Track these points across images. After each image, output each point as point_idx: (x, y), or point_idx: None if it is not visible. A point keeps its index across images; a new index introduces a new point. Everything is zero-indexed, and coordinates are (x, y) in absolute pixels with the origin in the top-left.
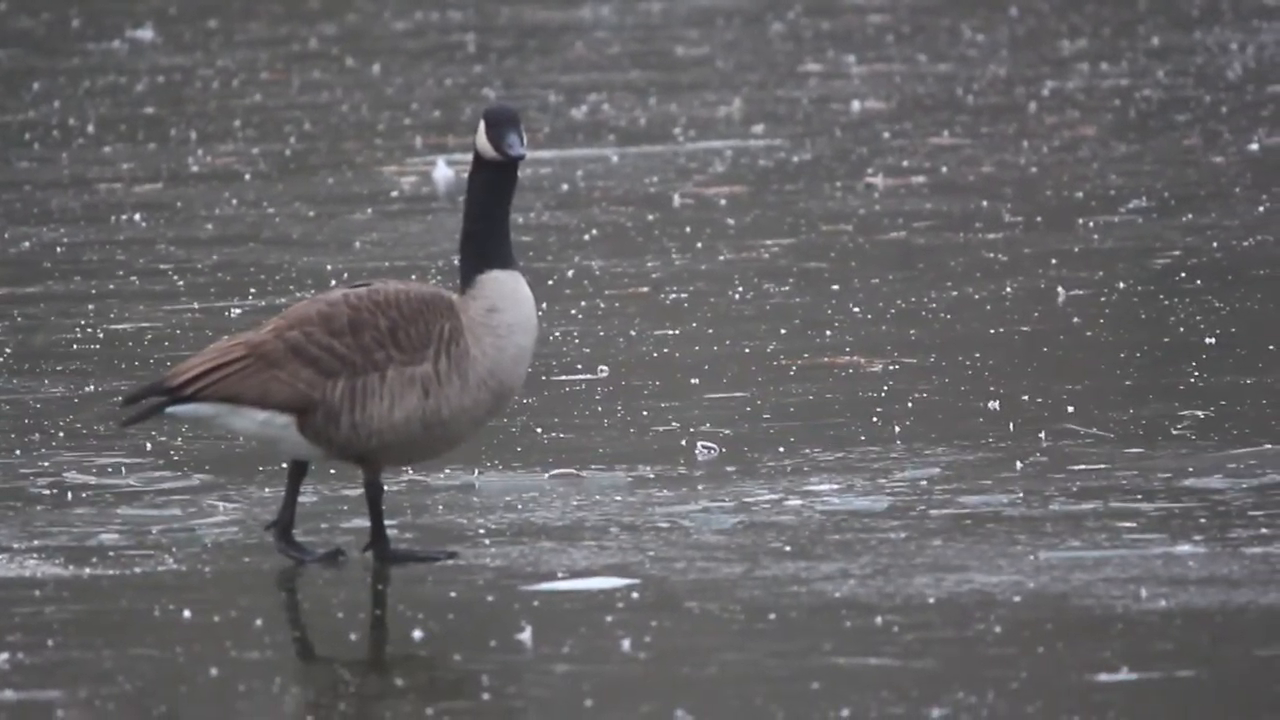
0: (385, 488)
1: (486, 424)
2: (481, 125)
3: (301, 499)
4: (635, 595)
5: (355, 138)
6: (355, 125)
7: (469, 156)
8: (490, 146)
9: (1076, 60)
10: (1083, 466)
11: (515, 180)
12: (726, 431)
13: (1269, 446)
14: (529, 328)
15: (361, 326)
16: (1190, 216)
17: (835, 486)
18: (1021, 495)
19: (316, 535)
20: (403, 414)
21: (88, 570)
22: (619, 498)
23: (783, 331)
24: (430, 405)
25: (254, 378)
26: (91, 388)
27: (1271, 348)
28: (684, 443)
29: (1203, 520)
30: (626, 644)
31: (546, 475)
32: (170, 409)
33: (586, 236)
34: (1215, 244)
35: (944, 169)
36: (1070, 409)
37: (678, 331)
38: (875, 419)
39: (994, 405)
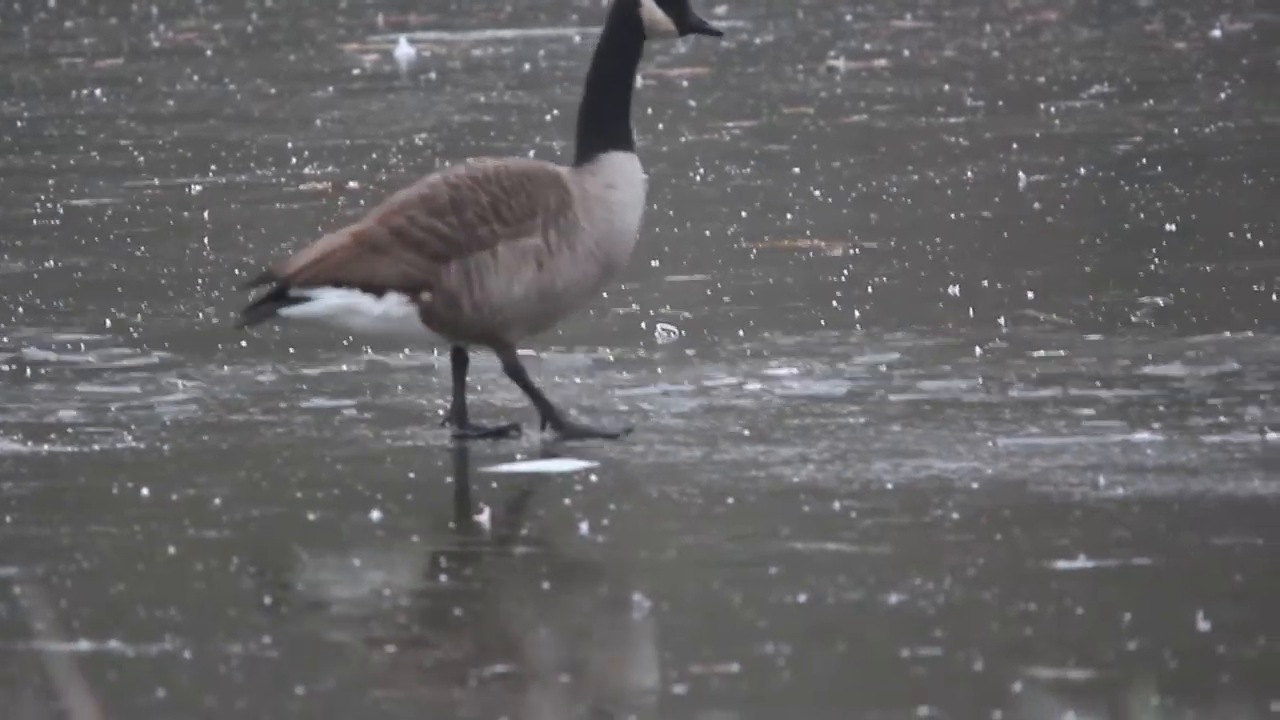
0: (346, 367)
1: (597, 295)
2: None
3: (260, 378)
4: (594, 478)
5: (317, 15)
6: (317, 2)
7: (430, 35)
8: (669, 22)
9: None
10: (1042, 353)
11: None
12: (686, 314)
13: (1228, 334)
14: (639, 208)
15: (463, 204)
16: (1152, 103)
17: (794, 371)
18: (980, 381)
19: (275, 414)
20: (521, 288)
21: (46, 447)
22: (578, 380)
23: (743, 214)
24: (545, 277)
25: (360, 262)
26: (51, 263)
27: (1231, 235)
28: (644, 325)
29: (1161, 408)
30: (584, 527)
31: None
32: (284, 311)
33: (548, 117)
34: (1176, 130)
35: (906, 52)
36: (1030, 295)
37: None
38: (835, 303)
39: (954, 290)
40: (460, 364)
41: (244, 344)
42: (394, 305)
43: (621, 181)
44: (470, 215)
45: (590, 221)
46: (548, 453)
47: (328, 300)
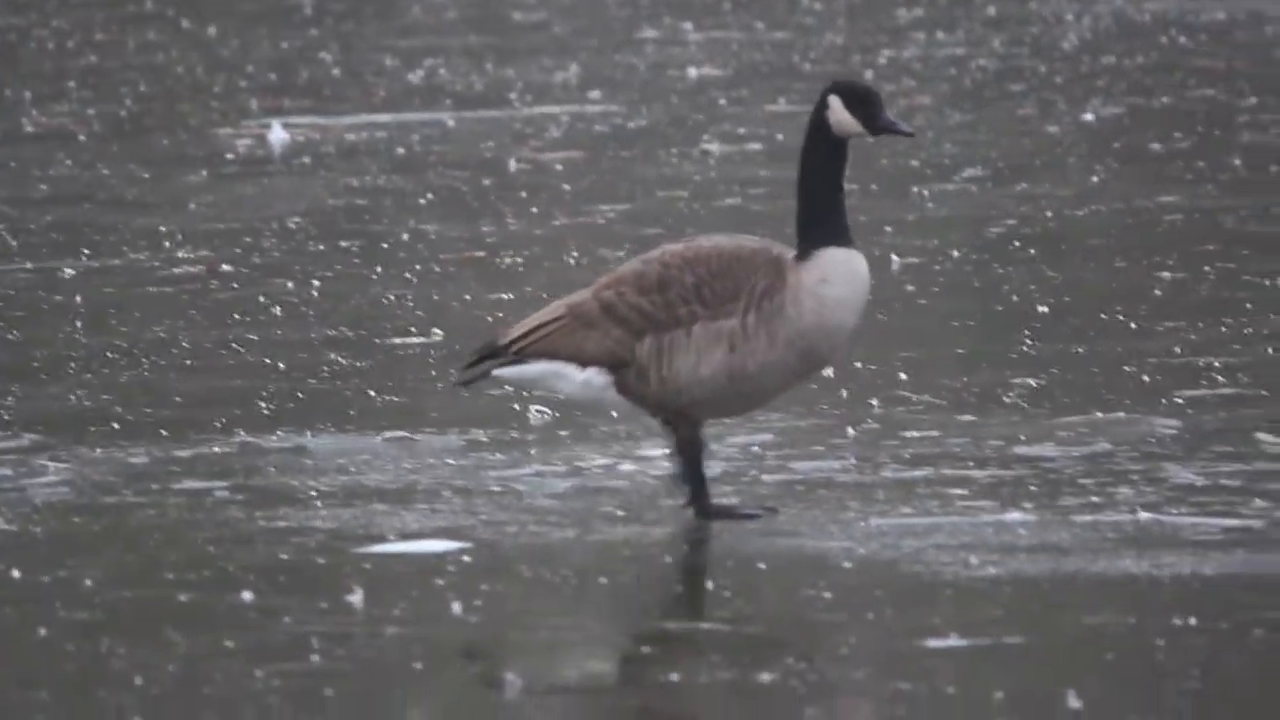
0: (218, 449)
1: (797, 385)
2: (836, 101)
3: (132, 460)
4: (466, 558)
5: (190, 99)
6: (190, 87)
7: (304, 120)
8: (858, 124)
9: (913, 29)
10: (915, 433)
11: (847, 157)
12: (560, 396)
13: (1099, 415)
14: (855, 306)
15: (669, 284)
16: (1024, 185)
17: (667, 451)
18: (854, 461)
19: (147, 496)
20: (709, 369)
21: None
22: (451, 461)
23: None
24: (736, 360)
25: (570, 335)
26: None
27: (1103, 316)
28: (517, 407)
29: (1033, 488)
30: (457, 607)
31: (379, 438)
32: (497, 371)
33: (422, 200)
34: (1049, 213)
35: (780, 136)
36: (903, 376)
37: (513, 296)
38: None
39: (827, 372)
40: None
41: (116, 426)
42: (594, 375)
43: (836, 277)
44: (673, 295)
45: (798, 311)
46: (420, 533)
47: (538, 365)
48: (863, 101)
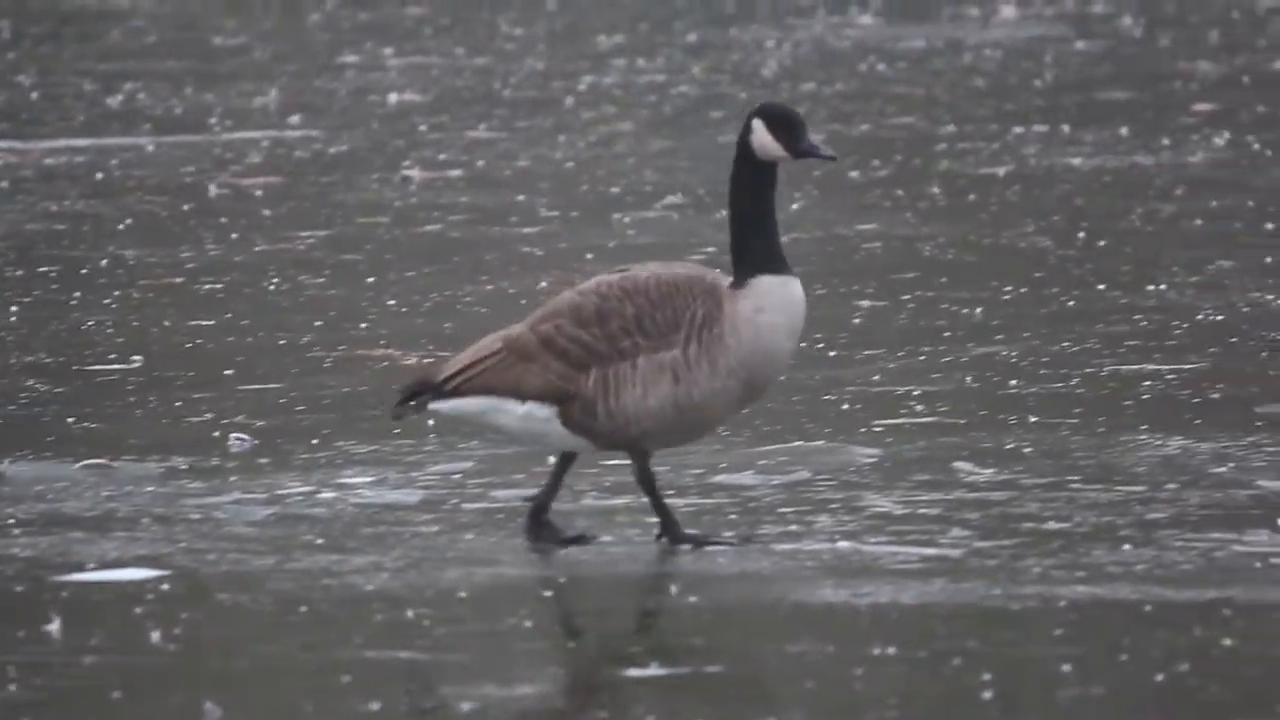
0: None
1: (740, 410)
2: (759, 125)
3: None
4: (166, 586)
5: None
6: None
7: (1, 144)
8: (780, 147)
9: (613, 56)
10: (615, 461)
11: (776, 181)
12: (260, 423)
13: (799, 443)
14: (792, 332)
15: (609, 315)
16: (724, 213)
17: (369, 479)
18: None
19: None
20: (656, 401)
21: None
22: (151, 488)
23: (318, 323)
24: (681, 390)
25: (509, 371)
26: None
27: (803, 345)
28: (217, 434)
29: (733, 516)
30: (156, 635)
31: (77, 465)
32: (434, 405)
33: (121, 226)
34: None
35: (480, 163)
36: None
37: (213, 322)
38: None
39: None
40: (566, 460)
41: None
42: (535, 408)
43: (770, 305)
44: (614, 327)
45: (737, 340)
46: (119, 561)
47: (476, 400)
48: (785, 125)
